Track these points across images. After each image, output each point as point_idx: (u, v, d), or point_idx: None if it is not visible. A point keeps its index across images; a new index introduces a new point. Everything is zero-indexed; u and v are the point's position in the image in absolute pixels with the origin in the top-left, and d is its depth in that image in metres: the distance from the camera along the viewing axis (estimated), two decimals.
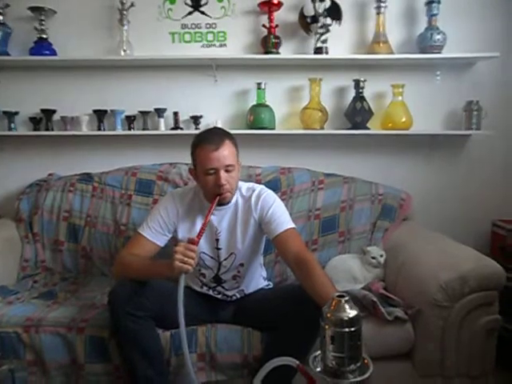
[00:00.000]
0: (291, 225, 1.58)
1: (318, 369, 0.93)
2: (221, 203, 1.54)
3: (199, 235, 1.39)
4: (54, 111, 2.33)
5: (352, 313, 0.91)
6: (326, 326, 0.90)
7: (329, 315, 0.91)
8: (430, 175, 2.39)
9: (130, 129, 2.33)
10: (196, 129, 2.30)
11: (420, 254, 1.75)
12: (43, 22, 2.25)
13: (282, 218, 1.58)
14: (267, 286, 1.81)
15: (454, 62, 2.29)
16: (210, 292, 1.70)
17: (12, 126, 2.32)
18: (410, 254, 1.80)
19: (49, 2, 2.26)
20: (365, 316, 1.55)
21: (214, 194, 1.50)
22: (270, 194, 1.65)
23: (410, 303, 1.59)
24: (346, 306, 0.91)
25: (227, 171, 1.50)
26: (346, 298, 0.92)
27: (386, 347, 1.55)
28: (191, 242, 1.37)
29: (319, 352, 0.94)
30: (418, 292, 1.59)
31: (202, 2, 2.34)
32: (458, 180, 2.41)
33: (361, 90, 2.25)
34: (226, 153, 1.49)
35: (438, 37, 2.21)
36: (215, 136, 1.52)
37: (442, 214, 2.37)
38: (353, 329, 0.89)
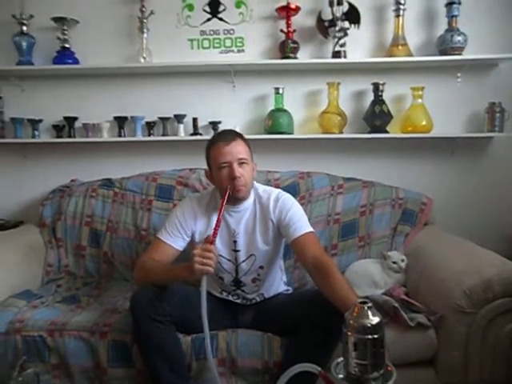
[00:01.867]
0: (309, 229, 1.57)
1: (341, 376, 0.92)
2: (236, 201, 1.56)
3: (214, 233, 1.38)
4: (76, 118, 2.38)
5: (375, 319, 0.90)
6: (349, 333, 0.89)
7: (351, 322, 0.90)
8: (451, 178, 2.36)
9: (149, 135, 2.36)
10: None
11: (442, 259, 1.73)
12: (66, 32, 2.31)
13: (301, 222, 1.58)
14: (286, 290, 1.81)
15: (475, 64, 2.25)
16: (230, 297, 1.71)
17: (36, 133, 2.38)
18: (431, 259, 1.78)
19: (71, 11, 2.32)
20: (386, 322, 1.53)
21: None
22: (288, 198, 1.65)
23: (432, 309, 1.57)
24: (369, 313, 0.90)
25: (240, 165, 1.52)
26: (369, 305, 0.92)
27: (408, 354, 1.52)
28: (207, 241, 1.37)
29: (342, 359, 0.94)
30: (441, 298, 1.56)
31: (221, 9, 2.37)
32: (480, 183, 2.37)
33: (380, 94, 2.24)
34: (238, 148, 1.53)
35: (459, 38, 2.18)
36: (227, 134, 1.58)
37: (464, 217, 2.33)
38: (376, 336, 0.88)
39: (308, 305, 1.48)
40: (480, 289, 1.48)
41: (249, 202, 1.63)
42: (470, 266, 1.58)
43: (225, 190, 1.49)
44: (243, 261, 1.63)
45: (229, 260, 1.64)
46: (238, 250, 1.63)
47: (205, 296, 1.30)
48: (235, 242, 1.62)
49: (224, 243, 1.63)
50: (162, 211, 2.14)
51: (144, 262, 1.56)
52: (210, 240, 1.37)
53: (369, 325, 0.89)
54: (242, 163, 1.53)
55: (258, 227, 1.62)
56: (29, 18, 2.31)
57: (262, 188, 1.68)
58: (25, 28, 2.30)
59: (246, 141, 1.59)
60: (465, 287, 1.48)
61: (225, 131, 1.66)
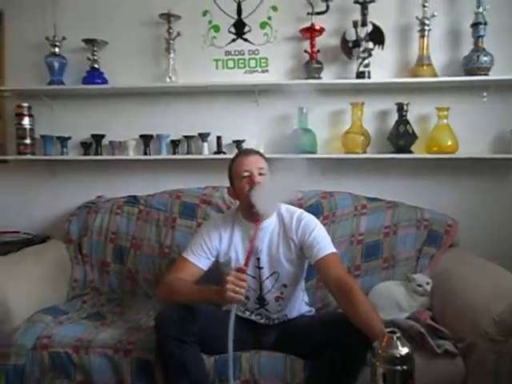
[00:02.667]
0: (333, 249, 1.58)
1: None
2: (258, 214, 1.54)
3: (246, 263, 1.40)
4: (103, 136, 2.43)
5: (404, 350, 0.89)
6: (377, 363, 0.88)
7: (380, 351, 0.89)
8: (477, 200, 2.31)
9: (174, 153, 2.39)
10: None
11: (469, 283, 1.69)
12: (95, 53, 2.39)
13: (324, 243, 1.58)
14: (309, 311, 1.80)
15: (501, 83, 2.23)
16: (253, 317, 1.71)
17: (64, 150, 2.44)
18: (458, 283, 1.74)
19: (101, 33, 2.39)
20: (412, 348, 1.50)
21: (250, 197, 1.52)
22: (311, 218, 1.66)
23: (460, 336, 1.53)
24: (398, 343, 0.90)
25: (261, 174, 1.57)
26: (398, 335, 0.91)
27: (434, 381, 1.48)
28: (240, 270, 1.39)
29: None
30: (469, 324, 1.52)
31: (245, 30, 2.41)
32: (506, 205, 2.32)
33: (404, 113, 2.23)
34: (258, 159, 1.62)
35: (485, 58, 2.16)
36: (247, 150, 1.73)
37: (490, 240, 2.28)
38: (405, 367, 0.87)
39: (332, 328, 1.46)
40: (509, 315, 1.43)
41: (271, 220, 1.65)
42: (498, 291, 1.54)
43: (256, 223, 1.49)
44: (267, 278, 1.64)
45: (253, 277, 1.65)
46: (262, 267, 1.64)
47: (233, 323, 1.32)
48: (258, 258, 1.63)
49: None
50: (185, 229, 2.17)
51: (169, 281, 1.57)
52: (242, 270, 1.38)
53: (398, 355, 0.88)
54: (262, 174, 1.58)
55: (281, 245, 1.63)
56: (61, 40, 2.39)
57: (284, 207, 1.70)
58: (57, 49, 2.39)
59: (265, 159, 1.66)
60: (493, 314, 1.44)
61: (245, 149, 1.84)
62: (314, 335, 1.54)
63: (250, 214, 1.59)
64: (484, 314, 1.47)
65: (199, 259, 1.62)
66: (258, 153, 1.67)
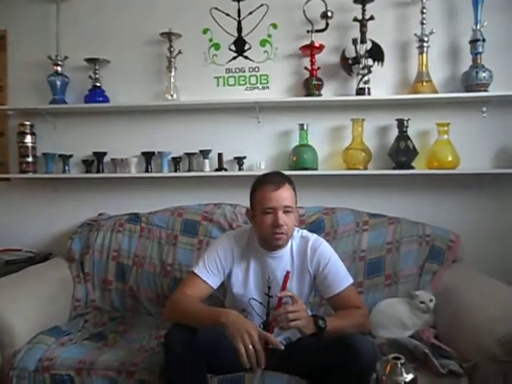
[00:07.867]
0: (347, 282, 1.59)
1: None
2: (274, 247, 1.58)
3: (271, 330, 1.42)
4: (105, 154, 2.44)
5: (409, 377, 0.89)
6: None
7: (384, 378, 0.89)
8: (480, 215, 2.30)
9: (176, 170, 2.39)
10: (240, 169, 2.34)
11: (473, 302, 1.68)
12: (97, 71, 2.40)
13: (339, 277, 1.59)
14: None
15: (500, 99, 2.23)
16: None
17: (66, 168, 2.45)
18: (462, 301, 1.73)
19: (103, 52, 2.42)
20: (416, 367, 1.49)
21: (270, 234, 1.53)
22: (325, 247, 1.65)
23: (465, 355, 1.52)
24: (403, 370, 0.89)
25: (285, 212, 1.52)
26: (402, 361, 0.90)
27: None
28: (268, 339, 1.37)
29: None
30: (474, 344, 1.51)
31: (246, 47, 2.43)
32: (509, 219, 2.31)
33: (404, 129, 2.24)
34: (285, 194, 1.53)
35: (484, 75, 2.17)
36: (276, 177, 1.57)
37: (494, 256, 2.26)
38: None
39: (338, 351, 1.43)
40: None
41: (287, 249, 1.63)
42: (503, 310, 1.53)
43: (285, 277, 1.49)
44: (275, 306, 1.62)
45: (260, 303, 1.64)
46: (271, 296, 1.62)
47: None
48: (269, 287, 1.62)
49: (258, 286, 1.64)
50: (187, 246, 2.16)
51: (178, 299, 1.53)
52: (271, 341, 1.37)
53: (402, 382, 0.87)
54: (287, 211, 1.53)
55: (295, 278, 1.62)
56: (63, 59, 2.42)
57: (299, 234, 1.68)
58: (59, 68, 2.41)
59: (292, 185, 1.59)
60: (499, 334, 1.42)
61: (274, 174, 1.62)
62: (319, 358, 1.50)
63: (266, 245, 1.59)
64: (489, 334, 1.46)
65: (211, 277, 1.59)
66: (286, 181, 1.56)
